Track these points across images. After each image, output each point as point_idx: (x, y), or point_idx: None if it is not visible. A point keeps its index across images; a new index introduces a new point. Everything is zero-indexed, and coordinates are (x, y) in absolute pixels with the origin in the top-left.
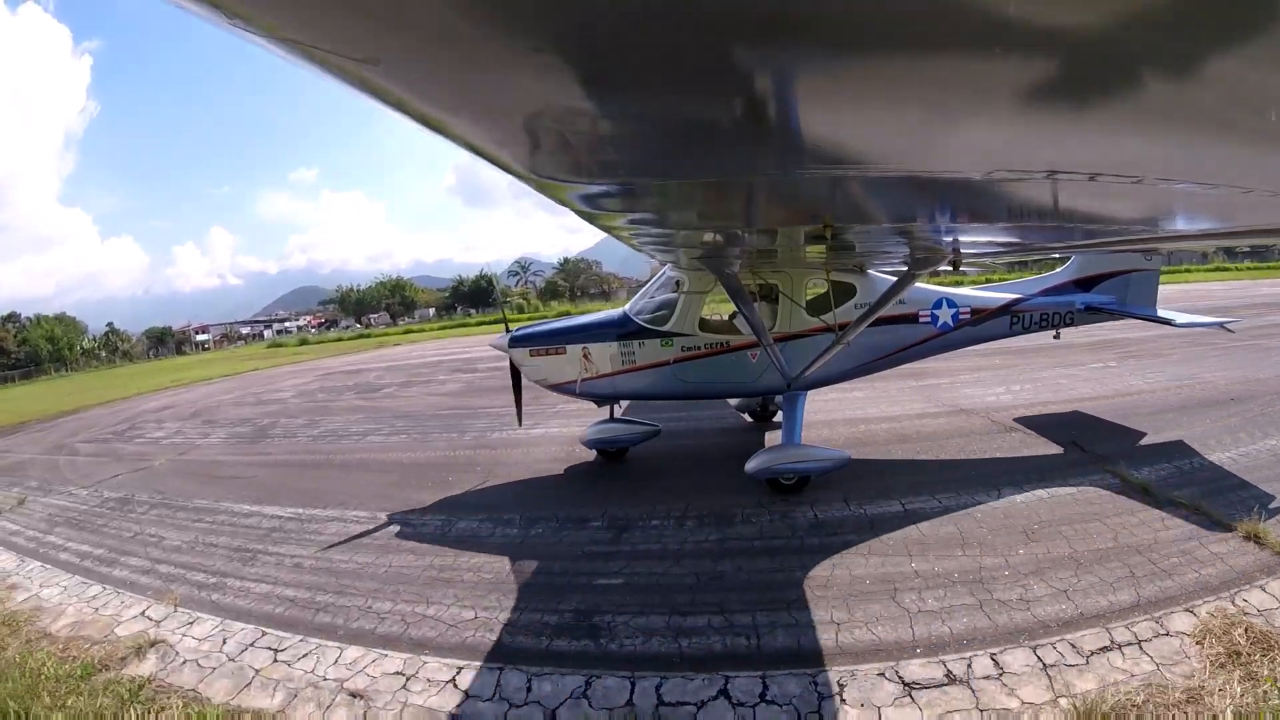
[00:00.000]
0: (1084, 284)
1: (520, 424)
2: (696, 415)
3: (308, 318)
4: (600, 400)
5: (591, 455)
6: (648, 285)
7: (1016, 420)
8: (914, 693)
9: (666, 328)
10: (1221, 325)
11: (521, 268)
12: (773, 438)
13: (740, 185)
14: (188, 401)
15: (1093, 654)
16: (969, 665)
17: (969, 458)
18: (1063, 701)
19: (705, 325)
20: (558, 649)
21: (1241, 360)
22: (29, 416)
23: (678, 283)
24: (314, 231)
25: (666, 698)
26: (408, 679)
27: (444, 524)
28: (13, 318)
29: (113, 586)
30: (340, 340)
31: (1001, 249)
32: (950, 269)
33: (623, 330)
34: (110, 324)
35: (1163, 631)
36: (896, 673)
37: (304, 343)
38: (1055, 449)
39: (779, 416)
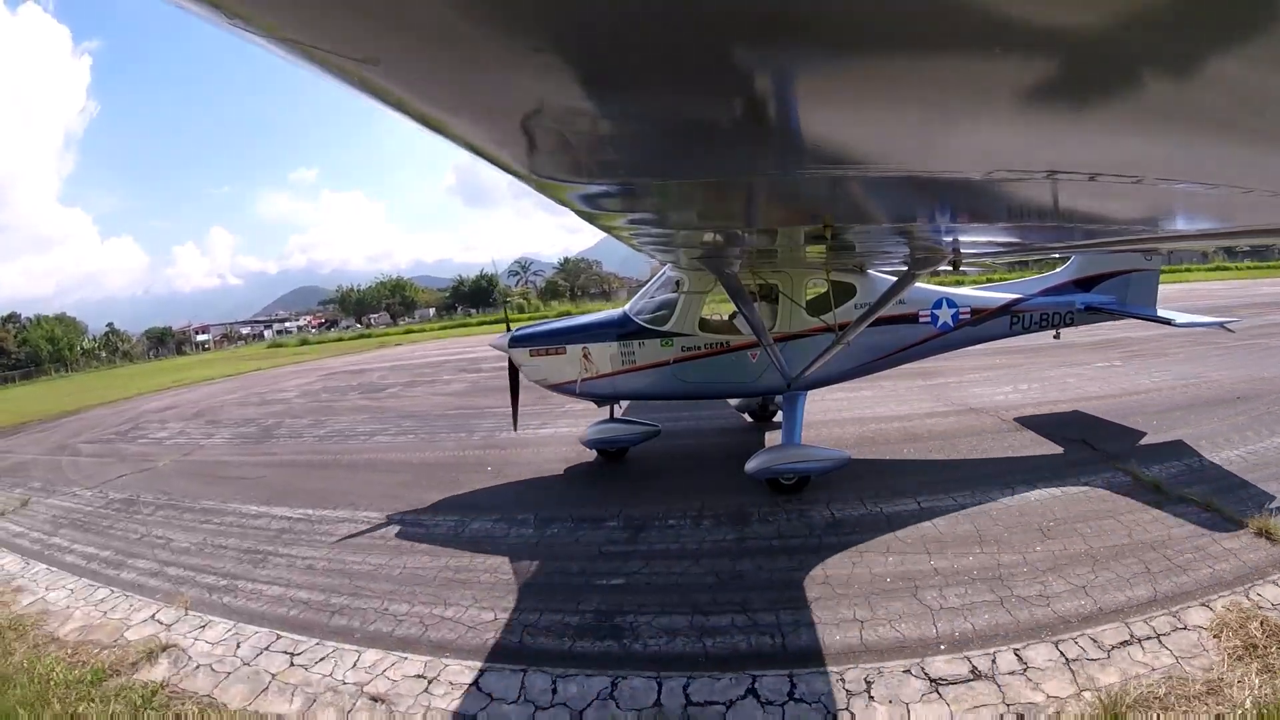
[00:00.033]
0: (1084, 284)
1: (516, 427)
2: (697, 415)
3: (308, 318)
4: (600, 400)
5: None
6: (648, 285)
7: (1026, 419)
8: (941, 689)
9: (666, 328)
10: (1221, 325)
11: (522, 268)
12: (773, 438)
13: (740, 185)
14: (190, 402)
15: (1113, 648)
16: (993, 661)
17: (981, 456)
18: (1087, 695)
19: (705, 325)
20: (581, 650)
21: (1245, 359)
22: (30, 417)
23: (678, 283)
24: (314, 231)
25: (694, 697)
26: (430, 682)
27: (457, 524)
28: (13, 318)
29: (121, 589)
30: (341, 340)
31: (1001, 249)
32: (950, 269)
33: (623, 330)
34: (110, 324)
35: (1180, 626)
36: (922, 669)
37: (304, 343)
38: (1065, 447)
39: (779, 416)
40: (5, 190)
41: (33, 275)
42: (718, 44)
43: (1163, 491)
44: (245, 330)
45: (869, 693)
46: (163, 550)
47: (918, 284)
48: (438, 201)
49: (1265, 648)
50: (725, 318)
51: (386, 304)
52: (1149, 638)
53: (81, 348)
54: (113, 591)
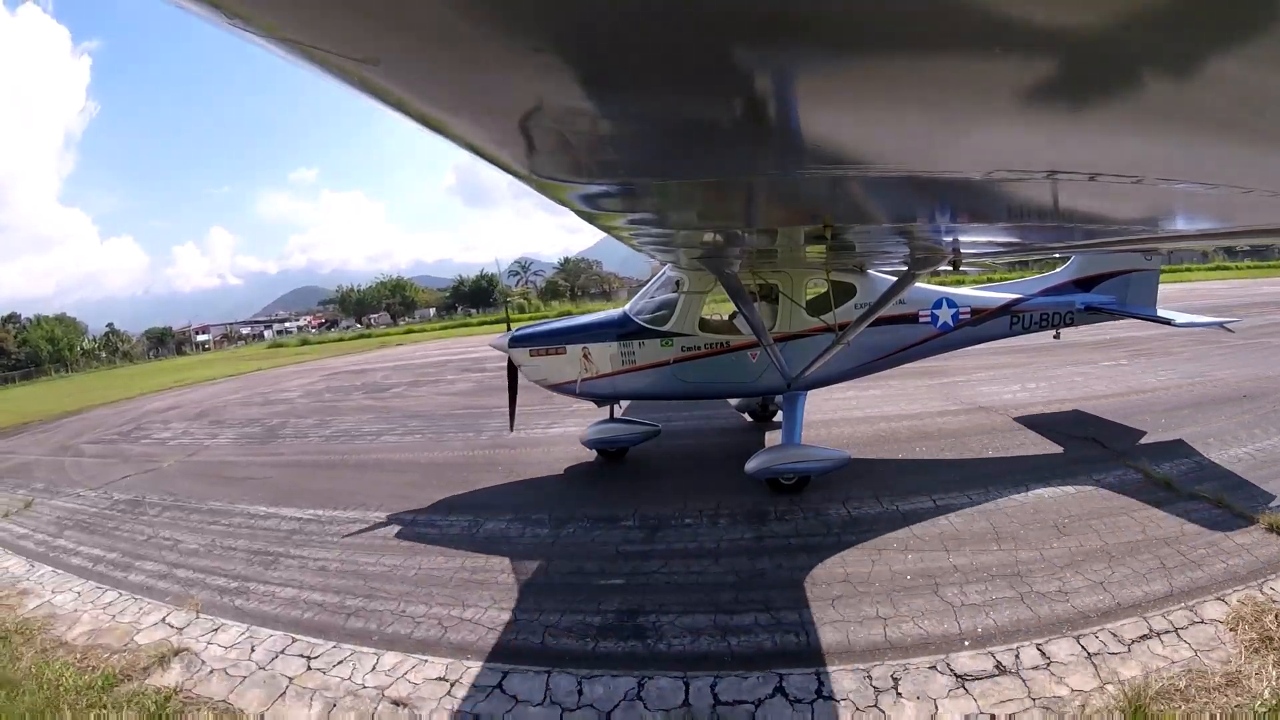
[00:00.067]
0: (1084, 284)
1: (513, 428)
2: (698, 415)
3: (308, 318)
4: (600, 400)
5: None
6: (648, 285)
7: (1035, 417)
8: (967, 684)
9: (666, 328)
10: (1221, 325)
11: (522, 268)
12: (773, 438)
13: (740, 185)
14: (193, 402)
15: (1133, 642)
16: (1017, 656)
17: (993, 455)
18: (1110, 688)
19: (705, 325)
20: (605, 650)
21: (1249, 358)
22: (31, 417)
23: (678, 283)
24: (314, 231)
25: (723, 697)
26: (452, 684)
27: (471, 524)
28: (13, 318)
29: (129, 592)
30: (342, 340)
31: (1001, 249)
32: (950, 269)
33: (623, 330)
34: (110, 324)
35: (1197, 619)
36: (948, 665)
37: (305, 343)
38: (1076, 445)
39: (779, 416)
40: (5, 190)
41: (33, 275)
42: (718, 44)
43: (1174, 488)
44: (245, 330)
45: (896, 689)
46: (170, 552)
47: (918, 284)
48: (438, 201)
49: None
50: (725, 318)
51: (387, 304)
52: (1167, 631)
53: (81, 348)
54: (121, 594)
